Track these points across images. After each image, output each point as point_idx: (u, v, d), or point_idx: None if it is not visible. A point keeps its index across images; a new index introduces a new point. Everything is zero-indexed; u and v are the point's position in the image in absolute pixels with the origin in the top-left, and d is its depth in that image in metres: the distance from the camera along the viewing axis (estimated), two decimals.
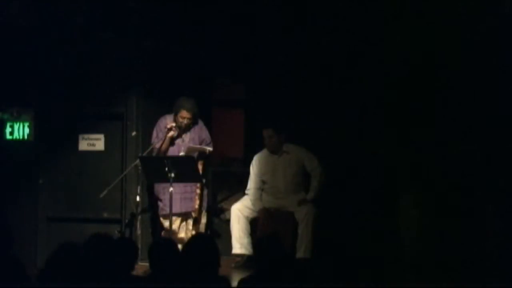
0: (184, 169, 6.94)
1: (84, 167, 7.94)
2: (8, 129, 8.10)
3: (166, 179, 6.89)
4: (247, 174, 7.63)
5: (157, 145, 7.41)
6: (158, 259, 4.57)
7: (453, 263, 6.89)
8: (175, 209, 7.12)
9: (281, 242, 4.83)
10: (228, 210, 7.71)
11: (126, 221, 7.70)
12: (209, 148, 7.52)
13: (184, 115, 7.35)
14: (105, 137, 7.91)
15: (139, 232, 7.73)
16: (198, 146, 7.47)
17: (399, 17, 7.35)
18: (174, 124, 7.39)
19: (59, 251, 3.80)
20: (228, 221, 7.63)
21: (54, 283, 3.84)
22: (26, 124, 8.06)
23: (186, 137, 7.48)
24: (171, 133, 7.38)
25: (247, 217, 7.45)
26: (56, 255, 3.72)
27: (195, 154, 7.40)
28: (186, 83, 7.82)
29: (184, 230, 7.48)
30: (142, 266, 5.76)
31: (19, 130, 8.07)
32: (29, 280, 4.15)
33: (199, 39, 7.89)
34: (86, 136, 7.95)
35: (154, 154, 7.41)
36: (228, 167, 8.72)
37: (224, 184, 8.53)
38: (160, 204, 7.44)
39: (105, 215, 7.83)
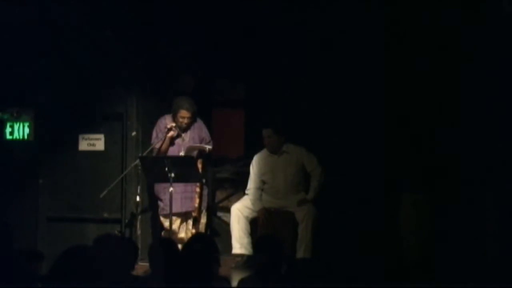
0: (184, 169, 6.94)
1: (84, 167, 7.94)
2: (8, 129, 8.09)
3: (166, 179, 6.89)
4: (247, 174, 7.63)
5: (157, 145, 7.41)
6: (158, 259, 4.56)
7: (453, 263, 6.89)
8: (176, 209, 7.12)
9: (281, 242, 4.83)
10: (228, 210, 7.71)
11: (126, 221, 7.70)
12: (209, 147, 7.52)
13: (184, 115, 7.35)
14: (105, 137, 7.90)
15: (139, 232, 7.72)
16: (198, 144, 7.47)
17: (399, 18, 7.35)
18: (174, 124, 7.38)
19: (65, 255, 3.79)
20: (228, 221, 7.63)
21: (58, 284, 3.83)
22: (26, 124, 8.06)
23: (186, 136, 7.48)
24: (171, 133, 7.38)
25: (247, 217, 7.45)
26: (62, 259, 3.71)
27: (195, 153, 7.41)
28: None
29: (184, 230, 7.47)
30: (142, 266, 5.77)
31: (19, 130, 8.07)
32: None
33: (199, 39, 7.89)
34: (86, 136, 7.95)
35: (154, 154, 7.41)
36: (228, 167, 8.72)
37: (224, 184, 8.53)
38: (160, 204, 7.44)
39: (105, 215, 7.83)
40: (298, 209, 7.34)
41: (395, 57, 7.43)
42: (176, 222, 7.35)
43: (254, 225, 7.45)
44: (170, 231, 7.19)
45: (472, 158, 7.16)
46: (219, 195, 8.40)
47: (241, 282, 4.64)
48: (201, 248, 4.40)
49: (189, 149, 7.39)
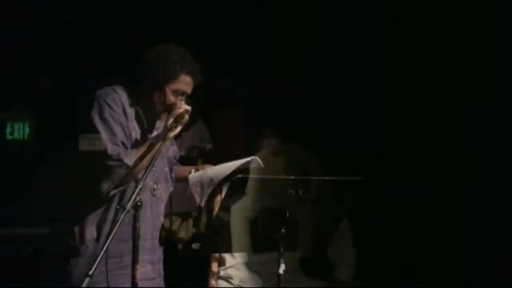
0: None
1: (85, 167, 7.91)
2: (8, 129, 8.09)
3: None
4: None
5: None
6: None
7: (452, 263, 6.90)
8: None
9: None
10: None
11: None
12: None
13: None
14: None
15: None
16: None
17: (398, 17, 7.36)
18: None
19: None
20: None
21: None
22: (26, 124, 8.05)
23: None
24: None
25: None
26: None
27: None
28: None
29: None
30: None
31: (19, 130, 8.06)
32: None
33: (199, 39, 7.88)
34: (86, 136, 7.93)
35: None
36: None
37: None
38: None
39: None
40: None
41: (394, 56, 7.44)
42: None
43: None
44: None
45: (471, 158, 7.17)
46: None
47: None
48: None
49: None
